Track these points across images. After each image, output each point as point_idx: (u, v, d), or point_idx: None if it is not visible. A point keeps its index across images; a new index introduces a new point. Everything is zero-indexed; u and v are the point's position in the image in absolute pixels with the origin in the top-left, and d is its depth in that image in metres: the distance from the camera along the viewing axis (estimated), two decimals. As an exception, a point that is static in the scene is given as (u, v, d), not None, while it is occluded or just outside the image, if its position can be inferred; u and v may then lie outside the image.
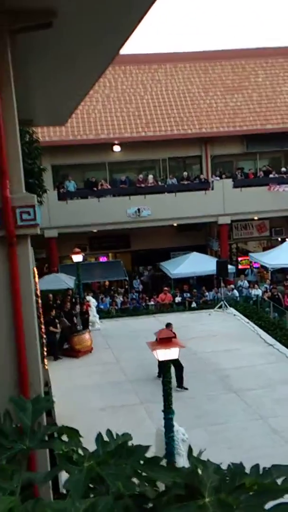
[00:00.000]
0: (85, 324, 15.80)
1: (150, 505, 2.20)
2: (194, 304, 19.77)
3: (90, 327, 15.97)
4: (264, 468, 2.13)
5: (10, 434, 2.64)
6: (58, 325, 14.42)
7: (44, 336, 7.27)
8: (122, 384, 12.55)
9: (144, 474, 2.26)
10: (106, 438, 2.62)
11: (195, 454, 2.69)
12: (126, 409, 11.32)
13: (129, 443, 2.64)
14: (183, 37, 55.45)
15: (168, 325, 12.46)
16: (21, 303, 5.97)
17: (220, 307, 18.33)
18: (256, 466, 2.14)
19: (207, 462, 2.52)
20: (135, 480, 2.33)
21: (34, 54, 7.47)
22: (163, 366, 8.32)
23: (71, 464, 2.18)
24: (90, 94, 24.33)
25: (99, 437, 2.45)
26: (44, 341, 7.26)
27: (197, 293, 20.76)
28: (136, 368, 13.28)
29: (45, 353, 13.85)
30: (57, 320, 14.41)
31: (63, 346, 14.62)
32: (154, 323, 16.62)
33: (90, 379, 12.92)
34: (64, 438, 2.69)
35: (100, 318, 17.38)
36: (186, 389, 12.00)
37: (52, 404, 3.03)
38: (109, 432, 2.54)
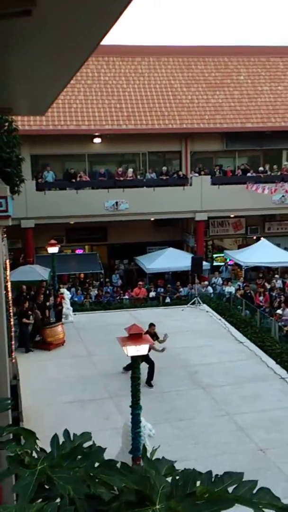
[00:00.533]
0: (58, 316, 15.73)
1: (104, 508, 2.21)
2: (168, 300, 19.87)
3: (63, 320, 15.92)
4: (216, 475, 2.15)
5: None
6: (30, 317, 14.31)
7: (13, 328, 7.21)
8: (92, 378, 12.57)
9: (98, 477, 2.26)
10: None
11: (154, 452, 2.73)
12: (95, 402, 11.36)
13: (89, 443, 2.65)
14: (168, 30, 55.17)
15: (151, 325, 12.54)
16: (-11, 296, 5.91)
17: (193, 303, 18.46)
18: (209, 472, 2.16)
19: (162, 460, 2.53)
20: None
21: (13, 42, 7.31)
22: (133, 362, 8.34)
23: (22, 467, 2.16)
24: (72, 84, 24.15)
25: (54, 438, 2.44)
26: (13, 333, 7.20)
27: (171, 289, 20.86)
28: (107, 362, 13.31)
29: (16, 345, 13.78)
30: (30, 312, 14.30)
31: (35, 338, 14.53)
32: (127, 317, 16.66)
33: (60, 372, 12.90)
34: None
35: (74, 310, 17.32)
36: (152, 386, 12.05)
37: (9, 406, 2.99)
38: (66, 433, 2.53)
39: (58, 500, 2.28)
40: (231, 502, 1.95)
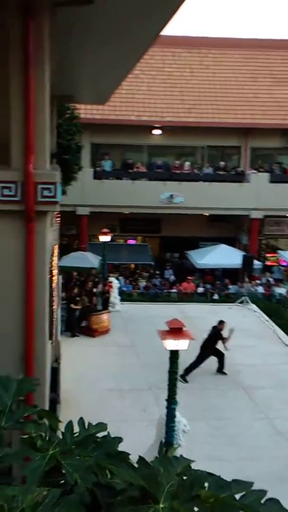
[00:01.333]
0: (105, 304, 15.91)
1: (111, 500, 2.20)
2: (216, 296, 19.62)
3: (110, 308, 16.08)
4: (224, 480, 2.08)
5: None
6: (78, 303, 14.56)
7: (55, 313, 7.36)
8: (133, 368, 12.63)
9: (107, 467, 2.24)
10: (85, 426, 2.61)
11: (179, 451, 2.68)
12: (134, 393, 11.41)
13: (104, 433, 2.64)
14: (236, 22, 54.03)
15: (221, 322, 12.57)
16: (34, 278, 6.03)
17: (242, 302, 18.13)
18: (217, 477, 2.10)
19: (180, 458, 2.48)
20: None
21: (76, 29, 7.39)
22: (172, 356, 8.28)
23: (34, 450, 2.18)
24: (135, 74, 24.22)
25: (69, 425, 2.44)
26: (55, 318, 7.35)
27: (220, 285, 20.57)
28: (149, 353, 13.29)
29: (62, 330, 14.08)
30: (77, 298, 14.55)
31: (81, 324, 14.78)
32: (174, 311, 16.57)
33: (103, 360, 13.05)
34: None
35: (121, 300, 17.47)
36: (226, 374, 12.53)
37: (35, 387, 3.02)
38: (81, 421, 2.53)
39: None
40: (236, 509, 1.88)
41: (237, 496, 2.02)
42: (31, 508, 1.91)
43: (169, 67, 25.55)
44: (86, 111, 21.97)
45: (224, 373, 12.60)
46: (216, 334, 12.64)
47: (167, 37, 24.83)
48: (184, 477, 2.08)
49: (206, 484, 2.08)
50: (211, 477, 2.06)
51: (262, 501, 1.98)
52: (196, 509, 1.90)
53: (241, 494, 2.02)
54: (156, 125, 24.02)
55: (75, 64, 9.98)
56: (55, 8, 6.04)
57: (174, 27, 39.07)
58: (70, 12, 6.33)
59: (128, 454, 2.39)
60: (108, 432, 2.68)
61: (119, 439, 2.52)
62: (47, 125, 6.13)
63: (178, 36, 26.54)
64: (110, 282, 16.72)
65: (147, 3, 6.30)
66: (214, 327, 12.79)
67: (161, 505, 1.91)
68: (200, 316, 16.59)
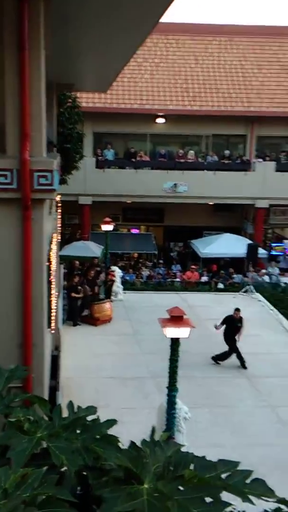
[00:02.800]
0: (108, 293, 15.91)
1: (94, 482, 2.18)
2: (221, 285, 19.55)
3: (112, 297, 16.09)
4: (209, 461, 2.06)
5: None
6: (80, 292, 14.57)
7: (53, 300, 7.35)
8: (135, 356, 12.64)
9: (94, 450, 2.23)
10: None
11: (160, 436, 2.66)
12: (136, 381, 11.43)
13: (93, 417, 2.62)
14: (242, 9, 53.36)
15: (237, 310, 12.50)
16: (31, 266, 6.01)
17: (246, 291, 18.06)
18: (202, 458, 2.07)
19: (170, 442, 2.46)
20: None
21: (74, 14, 7.29)
22: (173, 344, 8.27)
23: (21, 433, 2.16)
24: (138, 62, 24.03)
25: (57, 408, 2.42)
26: (54, 306, 7.34)
27: (224, 274, 20.50)
28: (151, 342, 13.30)
29: (64, 318, 14.10)
30: (79, 287, 14.55)
31: (83, 312, 14.80)
32: (177, 300, 16.55)
33: (105, 348, 13.07)
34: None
35: (124, 289, 17.45)
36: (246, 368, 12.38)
37: (25, 373, 3.03)
38: (70, 404, 2.51)
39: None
40: (218, 489, 1.86)
41: (224, 476, 1.99)
42: (13, 488, 1.90)
43: (173, 55, 25.29)
44: (88, 100, 21.84)
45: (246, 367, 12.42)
46: (231, 322, 12.62)
47: (171, 24, 24.58)
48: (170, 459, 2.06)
49: (192, 466, 2.06)
50: (196, 459, 2.04)
51: (248, 481, 1.96)
52: (178, 489, 1.87)
53: (227, 474, 2.00)
54: (160, 114, 23.83)
55: (74, 50, 9.87)
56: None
57: (178, 14, 38.67)
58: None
59: (117, 437, 2.37)
60: (98, 416, 2.67)
61: (112, 422, 2.50)
62: (43, 111, 6.07)
63: (182, 23, 26.24)
64: (113, 271, 16.69)
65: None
66: (230, 316, 12.74)
67: (145, 486, 1.89)
68: (203, 305, 16.58)
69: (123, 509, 1.80)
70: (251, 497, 1.89)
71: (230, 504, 1.88)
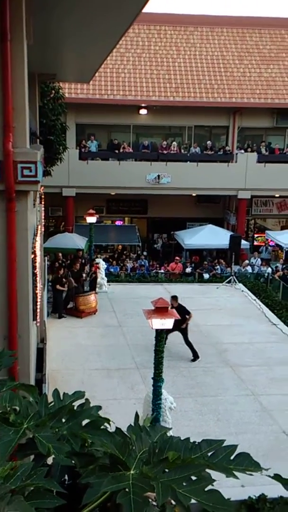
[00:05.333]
0: (93, 285, 15.91)
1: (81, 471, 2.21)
2: (207, 275, 19.68)
3: (97, 289, 16.09)
4: (194, 442, 2.11)
5: None
6: (65, 285, 14.54)
7: (38, 293, 7.34)
8: (121, 348, 12.70)
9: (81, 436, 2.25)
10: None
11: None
12: (121, 372, 11.50)
13: (81, 401, 2.64)
14: (223, 0, 53.15)
15: (174, 298, 12.38)
16: (15, 258, 5.99)
17: (229, 281, 18.23)
18: (186, 440, 2.12)
19: (156, 426, 2.50)
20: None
21: (56, 5, 7.22)
22: (157, 335, 8.34)
23: (6, 425, 2.18)
24: (121, 52, 23.89)
25: (43, 398, 2.44)
26: (39, 299, 7.33)
27: (207, 266, 20.65)
28: (137, 334, 13.40)
29: (49, 311, 14.07)
30: (64, 280, 14.53)
31: (68, 305, 14.79)
32: (161, 291, 16.66)
33: (90, 340, 13.10)
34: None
35: (108, 281, 17.47)
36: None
37: (12, 360, 3.02)
38: (55, 392, 2.53)
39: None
40: (201, 467, 1.91)
41: (209, 455, 2.04)
42: (2, 480, 1.92)
43: (154, 45, 25.18)
44: (70, 91, 21.66)
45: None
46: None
47: (153, 15, 24.44)
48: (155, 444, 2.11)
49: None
50: (181, 441, 2.09)
51: (232, 456, 2.01)
52: (163, 471, 1.92)
53: (211, 453, 2.05)
54: (142, 105, 23.75)
55: (56, 40, 9.77)
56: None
57: (160, 5, 38.39)
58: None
59: (102, 423, 2.39)
60: (86, 399, 2.68)
61: (97, 407, 2.53)
62: (26, 102, 6.02)
63: (164, 13, 26.11)
64: (97, 263, 16.69)
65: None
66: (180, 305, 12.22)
67: (132, 472, 1.93)
68: (187, 296, 16.66)
69: (109, 489, 1.83)
70: (236, 473, 1.94)
71: (213, 480, 1.92)
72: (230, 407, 10.17)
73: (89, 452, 2.26)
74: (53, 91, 16.79)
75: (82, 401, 2.57)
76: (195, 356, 12.23)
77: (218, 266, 20.79)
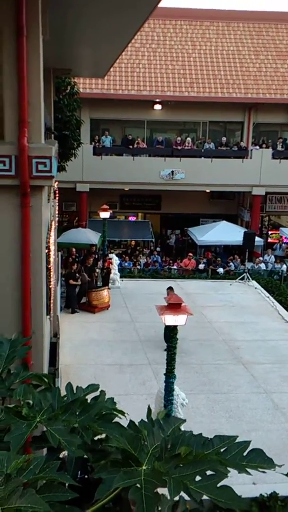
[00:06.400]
0: (106, 281, 15.95)
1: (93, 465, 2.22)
2: (221, 271, 19.61)
3: (110, 285, 16.13)
4: (206, 438, 2.11)
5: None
6: (78, 279, 14.60)
7: (52, 287, 7.38)
8: (133, 344, 12.72)
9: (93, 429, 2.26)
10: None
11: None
12: (134, 367, 11.52)
13: (96, 394, 2.65)
14: (243, -6, 52.56)
15: (170, 289, 12.45)
16: (29, 253, 6.03)
17: (243, 278, 18.14)
18: (199, 435, 2.12)
19: (170, 419, 2.50)
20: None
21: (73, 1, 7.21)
22: (170, 331, 8.34)
23: (19, 418, 2.20)
24: (136, 47, 23.81)
25: (56, 391, 2.46)
26: (52, 293, 7.37)
27: (221, 262, 20.58)
28: (149, 329, 13.41)
29: (62, 306, 14.14)
30: (77, 275, 14.59)
31: (81, 300, 14.85)
32: (174, 287, 16.60)
33: (103, 335, 13.15)
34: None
35: (121, 277, 17.50)
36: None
37: (25, 352, 3.04)
38: (68, 386, 2.55)
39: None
40: (214, 463, 1.91)
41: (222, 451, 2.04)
42: (15, 473, 1.94)
43: (170, 40, 25.05)
44: (85, 86, 21.67)
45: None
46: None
47: (168, 9, 24.32)
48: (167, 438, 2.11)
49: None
50: (193, 436, 2.09)
51: (245, 453, 2.00)
52: (175, 467, 1.92)
53: (224, 449, 2.04)
54: (157, 100, 23.66)
55: (72, 35, 9.77)
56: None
57: (175, -1, 38.13)
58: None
59: (114, 416, 2.40)
60: (102, 391, 2.69)
61: (112, 400, 2.54)
62: (41, 98, 6.04)
63: (179, 8, 25.97)
64: (110, 258, 16.72)
65: None
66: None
67: (144, 467, 1.93)
68: (200, 293, 16.68)
69: (120, 485, 1.84)
70: (249, 469, 1.93)
71: (226, 476, 1.92)
72: (242, 405, 10.14)
73: (103, 448, 2.27)
74: (69, 87, 16.81)
75: (97, 393, 2.58)
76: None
77: (231, 263, 20.69)
